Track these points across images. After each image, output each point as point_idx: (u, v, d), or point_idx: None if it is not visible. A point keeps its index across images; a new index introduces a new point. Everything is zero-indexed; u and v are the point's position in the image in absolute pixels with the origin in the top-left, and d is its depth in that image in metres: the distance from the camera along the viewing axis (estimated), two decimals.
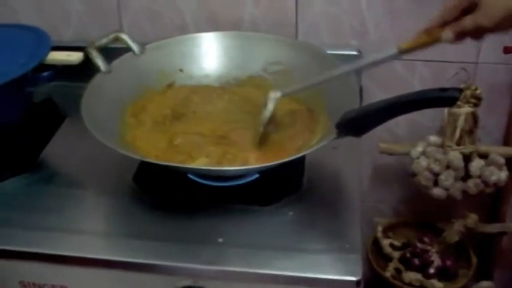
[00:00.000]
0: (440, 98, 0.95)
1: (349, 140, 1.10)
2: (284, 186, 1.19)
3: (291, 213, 1.14)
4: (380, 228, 1.66)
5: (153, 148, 1.20)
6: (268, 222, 1.12)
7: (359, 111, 1.04)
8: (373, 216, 1.71)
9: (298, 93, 1.25)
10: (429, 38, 1.02)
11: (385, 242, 1.64)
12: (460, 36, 0.97)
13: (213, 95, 1.35)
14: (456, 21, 0.97)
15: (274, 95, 1.21)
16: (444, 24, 0.99)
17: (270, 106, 1.21)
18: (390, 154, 1.55)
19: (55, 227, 1.12)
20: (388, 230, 1.69)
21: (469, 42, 1.41)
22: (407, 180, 1.57)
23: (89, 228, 1.13)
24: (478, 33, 0.95)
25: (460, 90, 0.95)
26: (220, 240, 1.08)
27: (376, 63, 1.13)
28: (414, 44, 1.04)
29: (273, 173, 1.17)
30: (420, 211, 1.70)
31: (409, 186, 1.63)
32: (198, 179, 1.19)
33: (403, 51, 1.05)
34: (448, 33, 0.97)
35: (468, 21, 0.95)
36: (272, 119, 1.22)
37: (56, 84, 1.37)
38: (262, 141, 1.22)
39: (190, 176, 1.20)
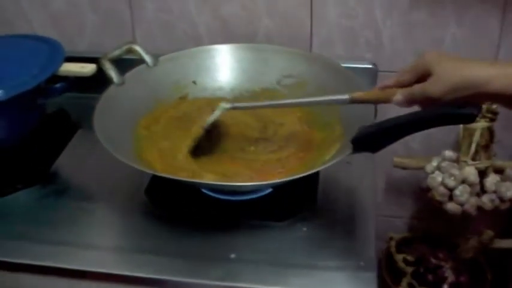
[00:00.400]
0: (459, 115, 0.93)
1: (363, 155, 1.09)
2: (298, 201, 1.18)
3: (304, 229, 1.12)
4: (393, 243, 1.65)
5: (164, 161, 1.19)
6: (282, 238, 1.11)
7: (375, 127, 1.02)
8: (387, 231, 1.69)
9: (246, 109, 1.27)
10: (381, 95, 1.02)
11: (399, 257, 1.63)
12: (410, 101, 0.96)
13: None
14: (411, 85, 0.97)
15: (224, 105, 1.20)
16: (400, 86, 0.99)
17: (217, 113, 1.20)
18: (404, 168, 1.54)
19: (66, 241, 1.12)
20: (401, 244, 1.67)
21: (486, 54, 1.42)
22: (421, 195, 1.56)
23: (101, 243, 1.12)
24: (427, 101, 0.95)
25: (479, 107, 0.93)
26: (232, 256, 1.06)
27: (326, 103, 1.13)
28: (365, 96, 1.05)
29: (286, 188, 1.15)
30: (434, 226, 1.68)
31: (423, 200, 1.62)
32: (210, 193, 1.18)
33: (353, 100, 1.05)
34: (398, 96, 0.97)
35: (417, 89, 0.95)
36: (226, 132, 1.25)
37: (68, 95, 1.36)
38: (197, 145, 1.21)
39: (203, 189, 1.18)
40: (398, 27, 1.43)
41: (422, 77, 0.95)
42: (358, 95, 1.05)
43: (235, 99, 1.35)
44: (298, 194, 1.18)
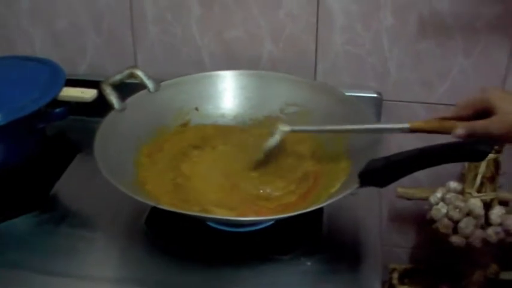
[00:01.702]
0: (471, 152, 0.92)
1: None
2: (302, 234, 1.16)
3: (308, 263, 1.09)
4: (396, 275, 1.62)
5: (165, 191, 1.16)
6: (286, 272, 1.08)
7: (384, 161, 1.00)
8: (388, 261, 1.67)
9: (308, 133, 1.25)
10: (440, 126, 1.03)
11: None
12: (470, 136, 0.97)
13: (229, 135, 1.31)
14: (470, 118, 0.98)
15: (283, 128, 1.19)
16: (459, 118, 1.00)
17: (277, 137, 1.19)
18: (408, 199, 1.52)
19: (63, 272, 1.09)
20: (404, 276, 1.65)
21: (493, 85, 1.40)
22: (424, 225, 1.54)
23: (99, 274, 1.09)
24: (487, 137, 0.95)
25: (492, 144, 0.91)
26: None
27: (386, 131, 1.15)
28: (425, 126, 1.05)
29: (290, 220, 1.12)
30: (437, 257, 1.66)
31: (425, 231, 1.60)
32: (213, 224, 1.15)
33: (413, 130, 1.05)
34: (460, 130, 0.98)
35: (479, 125, 0.96)
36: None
37: (68, 119, 1.34)
38: (258, 167, 1.21)
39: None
40: (405, 56, 1.41)
41: (483, 112, 0.95)
42: (418, 124, 1.05)
43: (237, 126, 1.34)
44: (302, 226, 1.16)
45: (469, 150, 0.92)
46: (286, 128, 1.19)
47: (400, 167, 0.99)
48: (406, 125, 1.06)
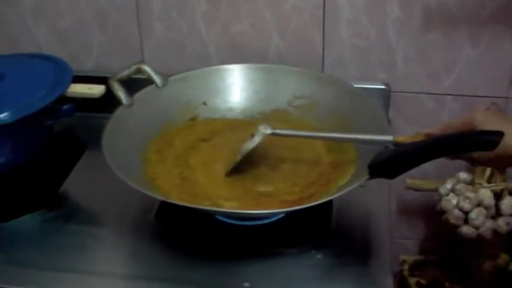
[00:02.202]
0: (481, 142, 0.91)
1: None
2: (311, 227, 1.16)
3: (319, 256, 1.09)
4: (406, 266, 1.62)
5: (173, 186, 1.16)
6: (296, 265, 1.08)
7: (393, 153, 1.00)
8: (398, 253, 1.66)
9: (288, 137, 1.22)
10: (425, 140, 1.02)
11: (412, 281, 1.60)
12: (454, 158, 0.99)
13: (238, 128, 1.31)
14: None
15: (263, 130, 1.17)
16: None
17: (257, 139, 1.17)
18: (417, 190, 1.51)
19: (73, 268, 1.09)
20: (414, 268, 1.64)
21: (500, 76, 1.40)
22: (435, 217, 1.53)
23: (109, 270, 1.09)
24: (472, 161, 0.97)
25: (500, 134, 0.90)
26: (246, 285, 1.03)
27: (367, 142, 1.11)
28: (408, 140, 1.03)
29: (300, 213, 1.12)
30: (448, 249, 1.65)
31: (435, 222, 1.59)
32: (222, 218, 1.15)
33: (396, 143, 1.04)
34: None
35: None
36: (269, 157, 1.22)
37: (76, 115, 1.34)
38: (234, 172, 1.18)
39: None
40: (412, 47, 1.41)
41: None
42: (402, 138, 1.04)
43: (246, 119, 1.33)
44: (312, 219, 1.15)
45: (478, 140, 0.91)
46: (267, 130, 1.17)
47: (409, 158, 0.98)
48: (390, 138, 1.06)
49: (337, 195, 1.05)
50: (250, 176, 1.18)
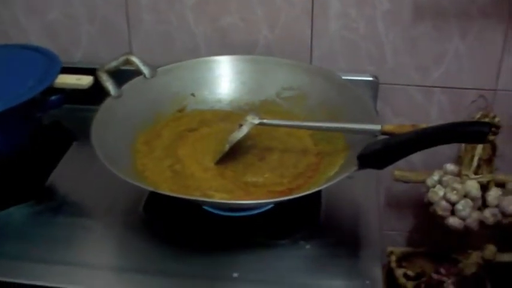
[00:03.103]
0: (469, 133, 0.91)
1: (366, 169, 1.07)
2: (300, 218, 1.16)
3: (307, 246, 1.09)
4: (394, 258, 1.62)
5: (163, 178, 1.16)
6: (285, 256, 1.08)
7: (383, 144, 1.00)
8: (386, 245, 1.67)
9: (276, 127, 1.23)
10: (412, 130, 1.03)
11: (399, 272, 1.60)
12: None
13: (226, 120, 1.30)
14: None
15: (251, 120, 1.18)
16: None
17: (244, 129, 1.17)
18: (405, 182, 1.52)
19: (61, 260, 1.08)
20: (402, 259, 1.65)
21: (488, 69, 1.40)
22: (422, 209, 1.53)
23: (98, 262, 1.09)
24: None
25: (490, 125, 0.91)
26: (235, 275, 1.03)
27: (354, 131, 1.14)
28: (396, 130, 1.05)
29: (288, 204, 1.12)
30: (435, 240, 1.66)
31: (423, 214, 1.60)
32: (211, 210, 1.15)
33: (384, 132, 1.06)
34: None
35: None
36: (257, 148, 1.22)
37: (64, 107, 1.33)
38: (223, 161, 1.18)
39: (203, 206, 1.16)
40: (401, 40, 1.41)
41: None
42: (390, 127, 1.05)
43: (234, 111, 1.33)
44: (301, 211, 1.16)
45: (468, 131, 0.92)
46: (255, 120, 1.18)
47: (398, 148, 0.99)
48: (378, 127, 1.07)
49: (326, 185, 1.05)
50: (238, 167, 1.18)
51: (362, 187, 1.23)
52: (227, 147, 1.17)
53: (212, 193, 1.11)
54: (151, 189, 1.08)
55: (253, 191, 1.12)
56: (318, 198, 1.18)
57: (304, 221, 1.16)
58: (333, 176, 1.10)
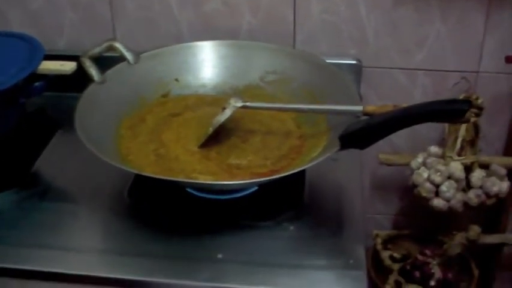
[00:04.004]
0: (448, 111, 0.92)
1: (349, 151, 1.07)
2: (284, 200, 1.17)
3: (291, 227, 1.10)
4: (379, 240, 1.63)
5: (148, 162, 1.16)
6: (269, 237, 1.09)
7: (364, 124, 1.01)
8: (372, 229, 1.68)
9: (259, 109, 1.24)
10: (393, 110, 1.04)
11: (385, 254, 1.61)
12: None
13: (210, 105, 1.31)
14: None
15: (234, 103, 1.18)
16: None
17: (228, 112, 1.18)
18: (390, 165, 1.53)
19: (48, 244, 1.09)
20: (387, 242, 1.66)
21: (470, 51, 1.41)
22: (407, 192, 1.55)
23: (84, 245, 1.10)
24: None
25: (469, 103, 0.92)
26: (219, 256, 1.04)
27: (337, 112, 1.15)
28: (378, 110, 1.05)
29: (272, 186, 1.13)
30: (420, 223, 1.67)
31: (409, 197, 1.61)
32: (195, 192, 1.16)
33: (366, 113, 1.07)
34: None
35: None
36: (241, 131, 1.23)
37: (48, 95, 1.34)
38: (207, 145, 1.19)
39: (187, 189, 1.16)
40: (383, 23, 1.42)
41: None
42: (371, 108, 1.06)
43: (218, 96, 1.33)
44: (285, 193, 1.16)
45: (448, 109, 0.93)
46: (238, 103, 1.19)
47: (379, 128, 1.00)
48: (359, 108, 1.08)
49: (309, 165, 1.06)
50: (223, 149, 1.19)
51: (346, 169, 1.23)
52: (210, 130, 1.18)
53: (196, 175, 1.12)
54: (135, 171, 1.09)
55: (236, 173, 1.13)
56: (302, 181, 1.19)
57: (288, 203, 1.16)
58: (316, 157, 1.10)
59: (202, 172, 1.13)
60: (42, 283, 1.06)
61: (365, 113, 1.07)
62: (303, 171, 1.18)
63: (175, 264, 1.04)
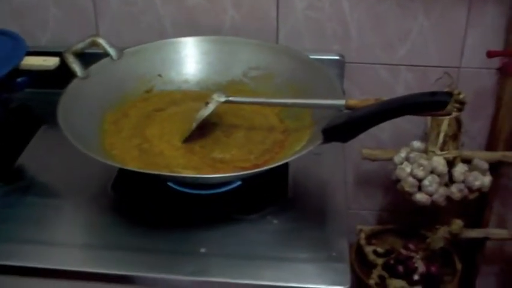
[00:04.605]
0: (430, 103, 0.93)
1: (332, 146, 1.08)
2: (268, 194, 1.17)
3: (275, 221, 1.11)
4: (363, 236, 1.64)
5: (131, 157, 1.16)
6: (252, 231, 1.09)
7: (346, 117, 1.02)
8: (356, 224, 1.68)
9: (243, 104, 1.25)
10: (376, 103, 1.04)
11: (368, 249, 1.62)
12: None
13: (193, 101, 1.31)
14: None
15: (217, 98, 1.19)
16: None
17: (211, 107, 1.19)
18: (373, 160, 1.53)
19: (32, 239, 1.09)
20: (371, 237, 1.67)
21: (452, 46, 1.42)
22: (391, 187, 1.55)
23: (67, 240, 1.10)
24: None
25: (450, 94, 0.93)
26: (203, 250, 1.04)
27: (319, 106, 1.16)
28: (360, 104, 1.06)
29: (256, 181, 1.14)
30: (404, 218, 1.68)
31: (392, 192, 1.62)
32: (179, 188, 1.16)
33: (348, 107, 1.07)
34: None
35: None
36: (221, 123, 1.23)
37: (31, 91, 1.34)
38: (190, 139, 1.19)
39: (170, 184, 1.17)
40: (366, 18, 1.43)
41: None
42: (353, 102, 1.07)
43: (201, 91, 1.33)
44: (268, 187, 1.17)
45: (429, 101, 0.94)
46: (221, 98, 1.19)
47: (361, 121, 1.00)
48: (342, 102, 1.08)
49: (291, 158, 1.07)
50: (206, 144, 1.19)
51: (329, 164, 1.24)
52: (194, 125, 1.18)
53: (179, 170, 1.12)
54: (118, 165, 1.09)
55: (220, 167, 1.13)
56: (286, 175, 1.19)
57: (271, 198, 1.17)
58: (299, 151, 1.11)
59: (186, 167, 1.13)
60: (25, 278, 1.06)
61: (347, 107, 1.07)
62: (286, 166, 1.19)
63: (159, 258, 1.04)
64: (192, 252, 1.04)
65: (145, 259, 1.04)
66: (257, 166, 1.12)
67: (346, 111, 1.08)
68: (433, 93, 0.93)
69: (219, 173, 1.12)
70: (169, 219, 1.12)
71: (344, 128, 1.02)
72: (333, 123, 1.03)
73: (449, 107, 0.95)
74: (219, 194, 1.16)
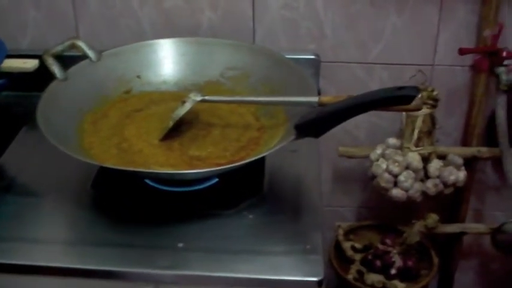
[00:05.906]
0: (398, 97, 0.96)
1: (308, 143, 1.11)
2: (244, 190, 1.19)
3: (251, 216, 1.13)
4: (341, 232, 1.67)
5: (110, 156, 1.18)
6: (229, 225, 1.11)
7: (318, 113, 1.04)
8: (334, 220, 1.71)
9: (219, 103, 1.27)
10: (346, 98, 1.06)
11: (346, 245, 1.65)
12: None
13: (171, 101, 1.33)
14: None
15: (194, 97, 1.21)
16: None
17: (187, 106, 1.21)
18: (349, 157, 1.56)
19: (12, 237, 1.10)
20: (349, 233, 1.70)
21: (425, 44, 1.45)
22: (368, 184, 1.58)
23: (47, 237, 1.11)
24: None
25: (418, 89, 0.95)
26: (180, 245, 1.07)
27: (293, 104, 1.18)
28: (333, 101, 1.08)
29: (232, 177, 1.16)
30: (381, 214, 1.71)
31: (369, 189, 1.65)
32: (157, 185, 1.18)
33: (321, 104, 1.09)
34: None
35: None
36: (198, 122, 1.25)
37: (11, 94, 1.35)
38: (167, 137, 1.21)
39: (148, 182, 1.19)
40: (340, 17, 1.45)
41: None
42: (327, 99, 1.09)
43: (179, 92, 1.35)
44: (244, 183, 1.19)
45: (397, 95, 0.96)
46: (197, 97, 1.21)
47: (332, 116, 1.03)
48: (315, 99, 1.11)
49: (266, 153, 1.09)
50: (184, 141, 1.21)
51: (304, 160, 1.26)
52: (170, 123, 1.20)
53: (156, 167, 1.14)
54: (96, 163, 1.10)
55: (197, 164, 1.15)
56: (261, 171, 1.22)
57: (247, 194, 1.19)
58: (274, 147, 1.13)
59: (163, 164, 1.15)
60: (6, 275, 1.08)
61: (320, 104, 1.10)
62: (262, 163, 1.22)
63: (138, 253, 1.06)
64: (170, 247, 1.06)
65: (125, 254, 1.06)
66: (233, 162, 1.15)
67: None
68: (400, 88, 0.96)
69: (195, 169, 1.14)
70: (147, 216, 1.14)
71: (315, 123, 1.04)
72: (305, 119, 1.05)
73: (418, 102, 0.97)
74: (197, 191, 1.18)
